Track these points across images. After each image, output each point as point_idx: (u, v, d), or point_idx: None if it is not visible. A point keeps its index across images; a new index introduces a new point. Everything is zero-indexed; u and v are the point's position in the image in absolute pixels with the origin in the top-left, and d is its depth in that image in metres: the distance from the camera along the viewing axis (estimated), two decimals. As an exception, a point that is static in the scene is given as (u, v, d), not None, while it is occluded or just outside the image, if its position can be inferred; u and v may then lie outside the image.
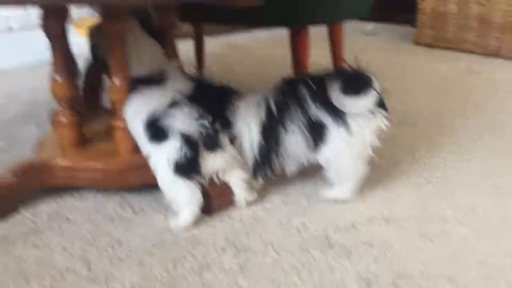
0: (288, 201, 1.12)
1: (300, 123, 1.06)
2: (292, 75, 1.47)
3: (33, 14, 2.91)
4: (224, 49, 2.40)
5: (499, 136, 1.45)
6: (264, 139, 1.08)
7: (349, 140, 1.05)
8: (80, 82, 1.19)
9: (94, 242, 0.99)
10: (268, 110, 1.08)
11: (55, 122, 1.16)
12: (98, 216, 1.07)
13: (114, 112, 1.10)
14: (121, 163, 1.11)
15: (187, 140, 1.00)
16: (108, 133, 1.14)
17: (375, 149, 1.08)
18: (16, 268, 0.92)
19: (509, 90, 1.84)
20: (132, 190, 1.15)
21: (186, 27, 1.87)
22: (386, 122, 1.06)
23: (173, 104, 1.04)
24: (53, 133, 1.25)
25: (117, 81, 1.07)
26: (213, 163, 1.04)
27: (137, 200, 1.13)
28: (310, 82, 1.06)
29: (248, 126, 1.08)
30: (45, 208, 1.10)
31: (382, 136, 1.08)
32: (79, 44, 1.34)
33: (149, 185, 1.13)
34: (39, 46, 2.41)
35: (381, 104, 1.06)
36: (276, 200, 1.13)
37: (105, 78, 1.18)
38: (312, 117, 1.05)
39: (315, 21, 1.43)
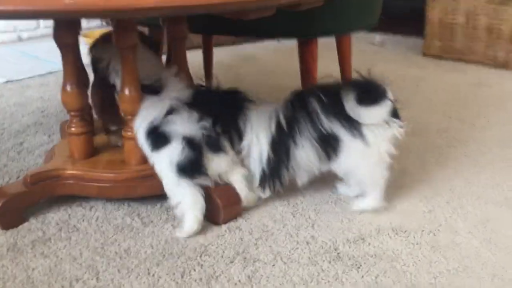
0: (297, 213, 1.12)
1: (311, 137, 1.05)
2: (302, 87, 1.48)
3: (42, 25, 2.95)
4: (234, 60, 2.41)
5: (509, 148, 1.44)
6: (274, 153, 1.08)
7: (366, 151, 1.04)
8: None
9: (102, 251, 0.99)
10: (278, 124, 1.08)
11: (65, 132, 1.17)
12: (107, 226, 1.07)
13: (124, 123, 1.11)
14: (130, 173, 1.11)
15: (189, 142, 1.01)
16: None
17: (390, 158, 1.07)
18: (25, 277, 0.92)
19: (519, 102, 1.83)
20: (141, 200, 1.15)
21: (197, 39, 1.88)
22: (401, 131, 1.06)
23: (172, 111, 1.05)
24: (63, 142, 1.26)
25: (127, 92, 1.07)
26: (218, 164, 1.05)
27: (146, 210, 1.13)
28: (321, 94, 1.06)
29: (257, 137, 1.08)
30: (54, 217, 1.10)
31: (393, 147, 1.08)
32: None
33: (158, 195, 1.13)
34: (48, 56, 2.45)
35: (394, 114, 1.05)
36: (285, 212, 1.12)
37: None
38: (323, 130, 1.04)
39: (324, 33, 1.44)
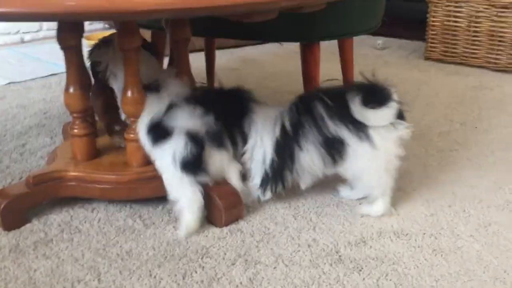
0: (299, 215, 1.12)
1: (316, 141, 1.05)
2: (304, 91, 1.48)
3: (45, 27, 2.96)
4: (236, 63, 2.42)
5: (511, 151, 1.44)
6: (278, 156, 1.08)
7: (374, 154, 1.04)
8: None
9: (104, 253, 0.99)
10: (283, 127, 1.08)
11: (67, 134, 1.17)
12: (109, 227, 1.07)
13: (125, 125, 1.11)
14: (132, 175, 1.11)
15: (193, 137, 1.02)
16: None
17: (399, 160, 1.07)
18: (27, 278, 0.92)
19: (521, 106, 1.83)
20: (143, 202, 1.15)
21: (199, 42, 1.89)
22: (408, 132, 1.06)
23: (173, 106, 1.06)
24: (65, 144, 1.26)
25: (130, 93, 1.07)
26: (219, 160, 1.06)
27: (148, 212, 1.13)
28: (326, 98, 1.05)
29: (261, 140, 1.09)
30: (57, 219, 1.10)
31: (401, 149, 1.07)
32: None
33: (160, 197, 1.13)
34: (51, 58, 2.46)
35: (400, 116, 1.05)
36: (286, 214, 1.12)
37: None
38: (328, 134, 1.04)
39: (326, 36, 1.44)
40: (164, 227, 1.07)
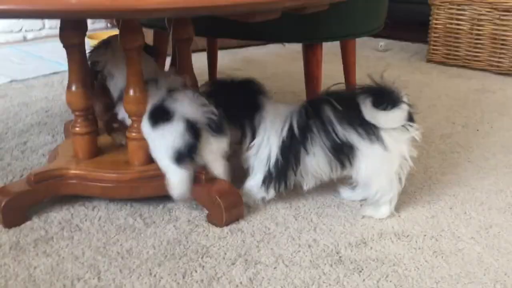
0: (299, 216, 1.12)
1: (324, 146, 1.05)
2: (307, 92, 1.48)
3: (47, 25, 2.97)
4: (239, 63, 2.42)
5: (513, 155, 1.44)
6: (283, 156, 1.08)
7: (386, 156, 1.04)
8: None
9: (104, 251, 0.99)
10: (291, 129, 1.08)
11: (69, 132, 1.17)
12: (109, 226, 1.07)
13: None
14: (133, 174, 1.11)
15: (191, 126, 1.03)
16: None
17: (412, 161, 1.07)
18: (27, 275, 0.92)
19: (523, 109, 1.82)
20: (144, 201, 1.15)
21: (201, 42, 1.89)
22: (419, 133, 1.05)
23: (173, 90, 1.08)
24: (67, 142, 1.26)
25: (132, 92, 1.08)
26: (217, 146, 1.07)
27: (148, 210, 1.13)
28: (336, 102, 1.05)
29: (268, 139, 1.09)
30: (57, 217, 1.10)
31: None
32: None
33: (161, 196, 1.13)
34: (53, 56, 2.46)
35: (410, 118, 1.05)
36: (287, 215, 1.12)
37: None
38: (337, 139, 1.04)
39: (329, 37, 1.44)
40: (165, 226, 1.07)
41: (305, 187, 1.12)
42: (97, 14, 0.97)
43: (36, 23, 2.95)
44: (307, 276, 0.92)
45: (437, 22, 2.42)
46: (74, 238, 1.03)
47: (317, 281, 0.91)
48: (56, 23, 1.11)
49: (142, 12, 0.83)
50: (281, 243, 1.02)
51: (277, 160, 1.08)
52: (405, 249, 1.00)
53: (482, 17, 2.27)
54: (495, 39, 2.26)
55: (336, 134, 1.04)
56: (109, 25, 3.17)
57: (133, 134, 1.10)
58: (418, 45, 2.74)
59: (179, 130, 1.03)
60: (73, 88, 1.11)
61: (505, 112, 1.78)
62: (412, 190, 1.22)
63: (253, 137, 1.10)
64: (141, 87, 1.08)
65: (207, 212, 1.10)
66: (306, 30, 1.38)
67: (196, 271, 0.93)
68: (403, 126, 1.04)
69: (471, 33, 2.32)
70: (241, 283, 0.91)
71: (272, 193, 1.12)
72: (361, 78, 1.07)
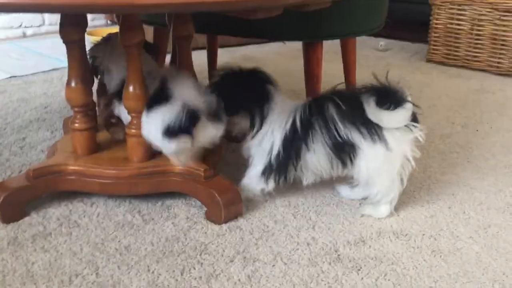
0: (298, 214, 1.12)
1: (325, 144, 1.05)
2: (307, 90, 1.48)
3: (47, 22, 2.96)
4: (239, 61, 2.41)
5: (512, 155, 1.44)
6: (284, 150, 1.08)
7: (388, 156, 1.03)
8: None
9: (103, 247, 0.99)
10: (294, 124, 1.07)
11: (68, 128, 1.17)
12: (108, 222, 1.07)
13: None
14: (132, 170, 1.11)
15: (188, 109, 1.03)
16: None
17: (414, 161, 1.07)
18: (25, 271, 0.92)
19: (522, 110, 1.82)
20: (142, 198, 1.15)
21: (201, 39, 1.89)
22: (422, 134, 1.05)
23: (168, 78, 1.08)
24: (66, 138, 1.26)
25: (132, 89, 1.07)
26: (213, 132, 1.07)
27: (147, 207, 1.13)
28: (339, 101, 1.05)
29: (272, 131, 1.09)
30: (55, 213, 1.10)
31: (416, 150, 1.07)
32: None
33: (159, 193, 1.13)
34: (52, 53, 2.45)
35: (414, 118, 1.05)
36: (286, 213, 1.12)
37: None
38: (339, 137, 1.04)
39: (330, 35, 1.44)
40: (163, 223, 1.07)
41: (305, 182, 1.12)
42: (97, 8, 0.97)
43: (35, 19, 2.94)
44: (306, 274, 0.92)
45: (437, 22, 2.42)
46: (73, 234, 1.03)
47: (315, 279, 0.91)
48: (56, 19, 1.11)
49: (141, 7, 0.83)
50: (280, 241, 1.02)
51: (278, 153, 1.08)
52: (403, 248, 1.00)
53: (483, 17, 2.27)
54: (495, 39, 2.26)
55: (338, 133, 1.04)
56: (109, 22, 3.16)
57: (133, 130, 1.10)
58: (418, 45, 2.74)
59: (175, 110, 1.03)
60: (73, 84, 1.11)
61: (505, 112, 1.78)
62: (411, 189, 1.22)
63: (261, 127, 1.09)
64: (141, 83, 1.08)
65: (205, 209, 1.10)
66: (307, 28, 1.38)
67: (194, 268, 0.93)
68: (406, 126, 1.03)
69: (471, 34, 2.32)
70: (239, 280, 0.91)
71: (271, 184, 1.12)
72: (361, 77, 1.07)
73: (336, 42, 1.66)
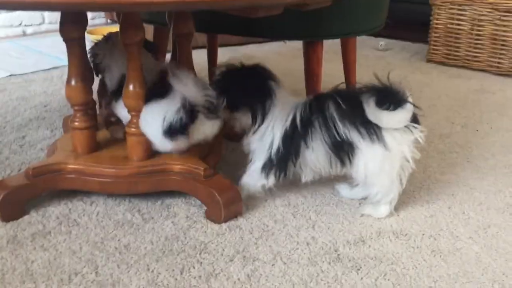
0: (298, 213, 1.12)
1: (324, 142, 1.05)
2: (307, 89, 1.47)
3: (47, 20, 2.96)
4: (238, 60, 2.41)
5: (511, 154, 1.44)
6: (284, 146, 1.08)
7: (386, 157, 1.03)
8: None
9: (102, 246, 0.99)
10: (294, 121, 1.08)
11: (68, 126, 1.17)
12: (107, 221, 1.07)
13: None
14: (132, 169, 1.11)
15: (187, 105, 1.04)
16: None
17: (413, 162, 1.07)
18: (24, 269, 0.92)
19: (522, 110, 1.82)
20: (142, 196, 1.15)
21: (202, 38, 1.88)
22: (422, 135, 1.04)
23: (165, 72, 1.09)
24: (66, 137, 1.26)
25: (132, 87, 1.07)
26: (210, 129, 1.08)
27: (147, 206, 1.13)
28: (340, 100, 1.05)
29: (273, 126, 1.09)
30: (55, 211, 1.10)
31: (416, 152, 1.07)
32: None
33: (159, 192, 1.13)
34: (52, 51, 2.45)
35: (414, 119, 1.04)
36: (285, 212, 1.12)
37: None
38: (338, 136, 1.04)
39: (330, 35, 1.44)
40: (163, 222, 1.07)
41: (304, 179, 1.12)
42: (97, 6, 0.97)
43: (35, 17, 2.94)
44: (305, 274, 0.92)
45: (437, 22, 2.41)
46: (72, 233, 1.03)
47: (315, 279, 0.91)
48: (56, 18, 1.10)
49: (142, 5, 0.82)
50: (280, 240, 1.02)
51: (278, 148, 1.08)
52: (403, 248, 1.00)
53: (483, 17, 2.26)
54: (495, 39, 2.26)
55: (337, 131, 1.04)
56: (109, 20, 3.16)
57: (132, 129, 1.10)
58: (419, 45, 2.73)
59: (174, 106, 1.03)
60: (73, 82, 1.11)
61: (505, 112, 1.78)
62: (411, 189, 1.22)
63: (262, 122, 1.09)
64: (141, 82, 1.08)
65: (205, 208, 1.09)
66: (307, 27, 1.38)
67: (194, 267, 0.93)
68: (406, 127, 1.03)
69: (472, 34, 2.32)
70: (239, 279, 0.90)
71: (272, 180, 1.12)
72: (361, 77, 1.07)
73: (336, 42, 1.66)
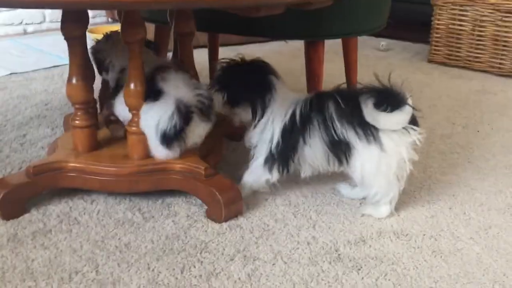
0: (298, 213, 1.12)
1: (322, 140, 1.05)
2: (308, 89, 1.47)
3: (48, 19, 2.95)
4: (238, 60, 2.41)
5: (513, 156, 1.44)
6: (283, 141, 1.08)
7: (383, 158, 1.03)
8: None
9: (103, 245, 0.99)
10: (293, 117, 1.08)
11: (69, 125, 1.17)
12: (108, 220, 1.07)
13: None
14: (132, 168, 1.10)
15: (180, 110, 1.04)
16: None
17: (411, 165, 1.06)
18: (24, 267, 0.92)
19: (523, 111, 1.82)
20: (143, 195, 1.14)
21: (203, 38, 1.88)
22: (420, 137, 1.04)
23: (161, 68, 1.09)
24: (66, 135, 1.26)
25: (133, 86, 1.07)
26: (203, 131, 1.10)
27: (147, 205, 1.12)
28: (340, 99, 1.05)
29: (273, 121, 1.09)
30: (56, 210, 1.10)
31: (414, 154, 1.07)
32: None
33: (160, 191, 1.13)
34: (53, 50, 2.45)
35: (413, 121, 1.04)
36: (286, 212, 1.12)
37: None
38: (335, 135, 1.04)
39: (332, 35, 1.44)
40: (164, 221, 1.07)
41: (303, 175, 1.13)
42: (98, 5, 0.97)
43: (36, 16, 2.94)
44: (306, 273, 0.92)
45: (439, 22, 2.41)
46: (73, 231, 1.03)
47: (315, 278, 0.91)
48: (57, 16, 1.10)
49: (143, 3, 0.82)
50: (280, 240, 1.02)
51: (278, 143, 1.09)
52: (404, 248, 1.00)
53: (484, 18, 2.26)
54: (496, 40, 2.25)
55: (335, 131, 1.04)
56: (110, 19, 3.16)
57: (133, 128, 1.10)
58: (420, 45, 2.73)
59: (168, 111, 1.04)
60: (74, 81, 1.11)
61: (506, 113, 1.78)
62: (412, 189, 1.22)
63: (262, 116, 1.10)
64: (142, 81, 1.07)
65: (206, 207, 1.09)
66: (308, 27, 1.38)
67: (194, 266, 0.93)
68: (404, 129, 1.03)
69: (473, 34, 2.32)
70: (239, 279, 0.90)
71: (275, 175, 1.12)
72: (362, 77, 1.07)
73: (337, 42, 1.66)
